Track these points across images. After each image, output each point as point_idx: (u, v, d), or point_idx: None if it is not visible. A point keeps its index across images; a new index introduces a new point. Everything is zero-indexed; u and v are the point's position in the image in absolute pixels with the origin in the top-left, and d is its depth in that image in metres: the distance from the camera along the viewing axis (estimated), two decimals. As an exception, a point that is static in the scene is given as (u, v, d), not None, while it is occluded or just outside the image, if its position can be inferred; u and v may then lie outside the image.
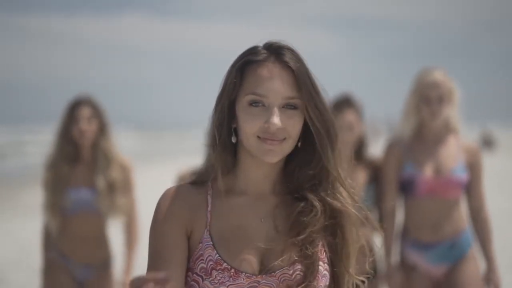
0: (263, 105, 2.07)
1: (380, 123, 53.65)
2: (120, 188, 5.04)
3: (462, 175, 4.50)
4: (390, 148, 4.66)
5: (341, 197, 2.12)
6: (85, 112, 5.07)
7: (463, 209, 4.59)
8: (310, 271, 2.06)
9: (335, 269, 2.11)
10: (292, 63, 2.09)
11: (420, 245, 4.55)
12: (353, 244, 2.11)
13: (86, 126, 5.05)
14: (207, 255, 2.06)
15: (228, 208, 2.12)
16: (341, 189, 2.13)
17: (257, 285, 2.04)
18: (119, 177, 5.05)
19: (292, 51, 2.12)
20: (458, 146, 4.58)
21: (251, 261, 2.06)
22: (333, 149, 2.11)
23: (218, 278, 2.04)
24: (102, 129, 5.11)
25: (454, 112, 4.59)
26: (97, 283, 5.04)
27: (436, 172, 4.51)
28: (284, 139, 2.07)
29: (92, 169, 5.07)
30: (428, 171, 4.51)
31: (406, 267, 4.61)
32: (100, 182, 4.99)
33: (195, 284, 2.06)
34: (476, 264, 4.51)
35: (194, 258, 2.08)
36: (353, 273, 2.12)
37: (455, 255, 4.50)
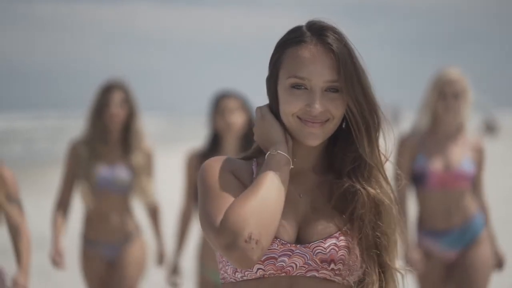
0: (305, 88, 2.01)
1: (385, 110, 53.66)
2: (143, 173, 5.10)
3: (469, 168, 4.78)
4: (404, 140, 4.87)
5: (377, 186, 2.03)
6: (116, 96, 5.09)
7: (471, 196, 4.81)
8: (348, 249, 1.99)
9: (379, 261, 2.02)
10: (334, 46, 2.01)
11: (434, 233, 4.79)
12: (391, 235, 2.02)
13: (118, 110, 5.09)
14: None
15: None
16: (379, 177, 2.05)
17: (290, 253, 1.98)
18: (142, 161, 5.11)
19: (335, 31, 2.03)
20: (466, 142, 4.84)
21: (288, 229, 2.01)
22: (369, 137, 2.03)
23: None
24: (132, 114, 5.13)
25: (467, 111, 4.84)
26: (125, 257, 5.09)
27: (445, 166, 4.75)
28: (327, 120, 2.01)
29: (117, 150, 5.12)
30: (438, 165, 4.75)
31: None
32: (135, 160, 5.08)
33: None
34: (486, 247, 4.76)
35: None
36: (394, 265, 2.04)
37: (466, 239, 4.75)
